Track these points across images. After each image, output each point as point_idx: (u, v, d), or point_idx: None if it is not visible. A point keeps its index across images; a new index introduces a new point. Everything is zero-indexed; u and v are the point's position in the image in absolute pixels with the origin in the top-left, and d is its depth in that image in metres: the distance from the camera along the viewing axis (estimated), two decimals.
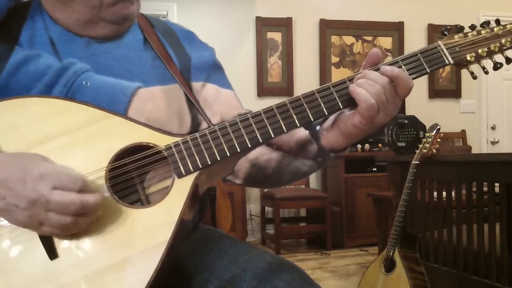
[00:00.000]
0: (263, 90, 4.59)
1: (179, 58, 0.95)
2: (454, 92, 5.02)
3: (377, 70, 0.76)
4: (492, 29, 0.81)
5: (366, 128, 0.77)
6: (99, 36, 0.89)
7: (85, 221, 0.69)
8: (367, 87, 0.74)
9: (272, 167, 0.90)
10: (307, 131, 0.86)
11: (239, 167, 0.93)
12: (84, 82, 0.84)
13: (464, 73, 4.96)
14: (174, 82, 0.91)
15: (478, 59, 0.80)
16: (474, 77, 0.83)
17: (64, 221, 0.67)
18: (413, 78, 0.77)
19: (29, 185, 0.66)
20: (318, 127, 0.85)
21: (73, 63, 0.85)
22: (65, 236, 0.70)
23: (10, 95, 0.79)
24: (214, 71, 0.99)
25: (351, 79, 0.77)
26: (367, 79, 0.75)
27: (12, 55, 0.83)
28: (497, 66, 0.81)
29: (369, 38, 4.87)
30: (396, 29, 4.89)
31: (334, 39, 4.79)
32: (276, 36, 4.66)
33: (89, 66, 0.86)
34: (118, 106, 0.84)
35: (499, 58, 0.82)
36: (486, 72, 0.83)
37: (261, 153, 0.91)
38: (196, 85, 0.95)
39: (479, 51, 0.80)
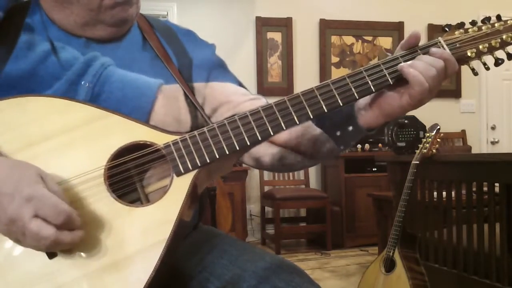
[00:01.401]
0: (263, 90, 4.58)
1: (178, 57, 0.94)
2: (454, 92, 5.01)
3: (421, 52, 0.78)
4: (493, 25, 0.80)
5: (410, 109, 0.78)
6: (98, 38, 0.89)
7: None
8: (423, 70, 0.74)
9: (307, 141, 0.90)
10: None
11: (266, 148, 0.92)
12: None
13: (464, 73, 4.96)
14: (174, 82, 0.91)
15: (479, 55, 0.80)
16: (475, 74, 0.82)
17: (38, 247, 0.67)
18: None
19: (15, 203, 0.65)
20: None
21: (98, 56, 0.86)
22: None
23: (37, 82, 0.81)
24: (216, 68, 0.98)
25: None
26: (423, 61, 0.75)
27: (19, 41, 0.83)
28: (498, 62, 0.80)
29: (369, 38, 4.87)
30: (396, 29, 4.89)
31: (334, 39, 4.79)
32: (276, 36, 4.66)
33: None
34: (144, 100, 0.85)
35: (500, 54, 0.81)
36: (487, 68, 0.83)
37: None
38: (198, 85, 0.95)
39: (480, 47, 0.79)
